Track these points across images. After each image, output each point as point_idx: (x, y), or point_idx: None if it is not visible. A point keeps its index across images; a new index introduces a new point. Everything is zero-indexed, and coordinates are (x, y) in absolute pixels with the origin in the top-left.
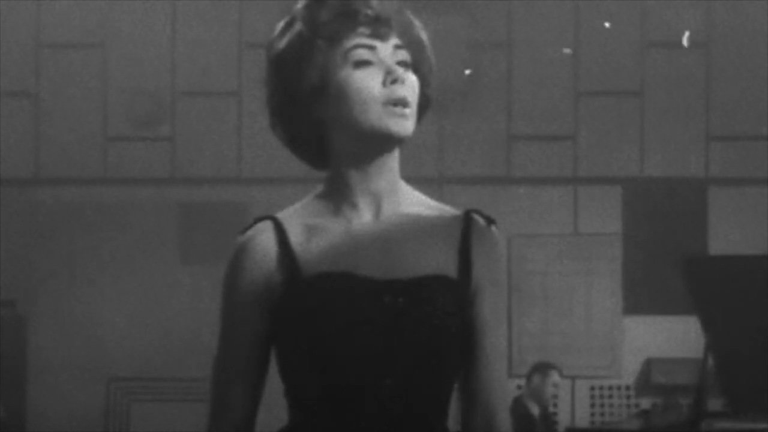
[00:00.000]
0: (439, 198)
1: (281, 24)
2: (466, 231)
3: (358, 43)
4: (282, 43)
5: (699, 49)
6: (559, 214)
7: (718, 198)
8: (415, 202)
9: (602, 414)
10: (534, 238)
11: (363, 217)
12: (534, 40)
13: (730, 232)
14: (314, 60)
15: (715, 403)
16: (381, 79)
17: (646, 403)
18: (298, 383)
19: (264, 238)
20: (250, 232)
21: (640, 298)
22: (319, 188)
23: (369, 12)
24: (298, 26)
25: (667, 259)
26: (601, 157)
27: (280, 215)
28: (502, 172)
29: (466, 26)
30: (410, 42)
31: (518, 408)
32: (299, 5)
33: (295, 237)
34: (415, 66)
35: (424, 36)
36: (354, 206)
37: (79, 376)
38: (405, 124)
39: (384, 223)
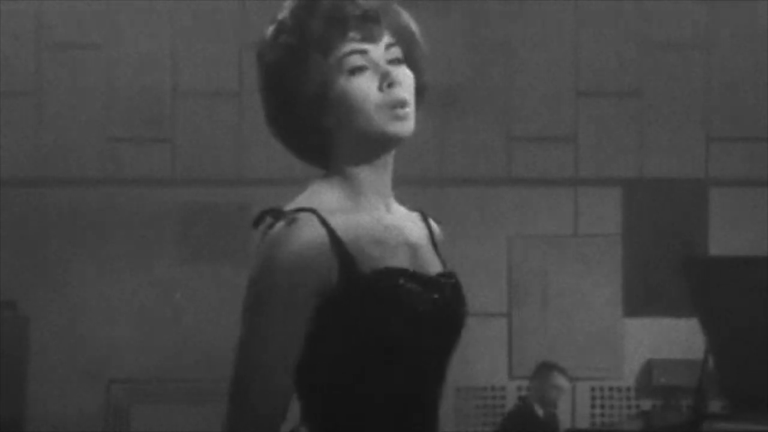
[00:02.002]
0: (440, 198)
1: (270, 32)
2: (430, 230)
3: (351, 49)
4: (274, 56)
5: (699, 49)
6: (559, 215)
7: (718, 199)
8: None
9: (602, 415)
10: (534, 239)
11: (380, 213)
12: (534, 40)
13: (731, 234)
14: (309, 71)
15: (715, 405)
16: (377, 84)
17: (646, 404)
18: (349, 381)
19: (314, 231)
20: (297, 225)
21: (641, 299)
22: (319, 182)
23: (357, 13)
24: (287, 37)
25: (667, 261)
26: (601, 158)
27: (313, 207)
28: (502, 172)
29: (466, 27)
30: (401, 36)
31: (525, 408)
32: (286, 11)
33: (339, 230)
34: (408, 59)
35: (413, 25)
36: (370, 203)
37: (79, 377)
38: (407, 124)
39: (397, 220)
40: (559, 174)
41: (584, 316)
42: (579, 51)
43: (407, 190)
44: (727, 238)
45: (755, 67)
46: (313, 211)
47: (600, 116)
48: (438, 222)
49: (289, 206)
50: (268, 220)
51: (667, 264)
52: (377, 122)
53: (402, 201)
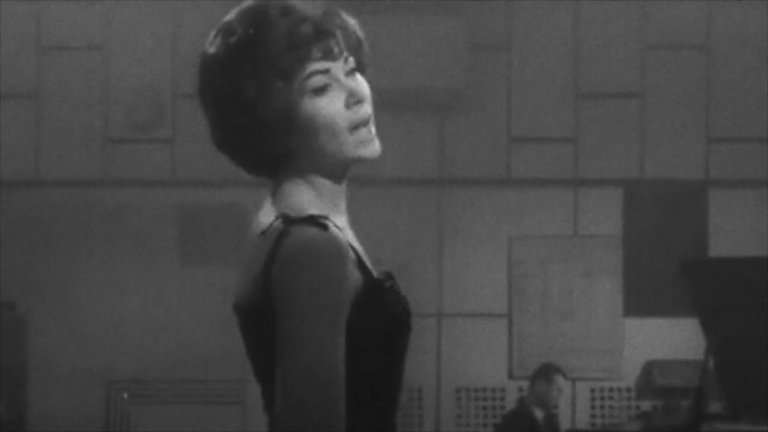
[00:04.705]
0: (440, 199)
1: (222, 48)
2: None
3: (313, 70)
4: (230, 75)
5: (699, 50)
6: (560, 215)
7: (718, 200)
8: None
9: (603, 416)
10: (534, 240)
11: (345, 219)
12: (534, 41)
13: (731, 234)
14: (272, 97)
15: (715, 405)
16: (343, 101)
17: (646, 405)
18: (358, 379)
19: (342, 237)
20: (331, 232)
21: (641, 300)
22: (291, 188)
23: (314, 31)
24: (246, 59)
25: (667, 261)
26: (601, 159)
27: (315, 212)
28: (503, 173)
29: (466, 28)
30: (353, 47)
31: (522, 409)
32: (239, 33)
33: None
34: (359, 66)
35: (359, 31)
36: (335, 209)
37: (79, 378)
38: (375, 146)
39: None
40: (559, 174)
41: (584, 317)
42: (579, 51)
43: (407, 191)
44: (727, 238)
45: (755, 67)
46: (327, 218)
47: (600, 117)
48: None
49: (273, 210)
50: (279, 225)
51: (667, 264)
52: (347, 147)
53: (403, 201)
